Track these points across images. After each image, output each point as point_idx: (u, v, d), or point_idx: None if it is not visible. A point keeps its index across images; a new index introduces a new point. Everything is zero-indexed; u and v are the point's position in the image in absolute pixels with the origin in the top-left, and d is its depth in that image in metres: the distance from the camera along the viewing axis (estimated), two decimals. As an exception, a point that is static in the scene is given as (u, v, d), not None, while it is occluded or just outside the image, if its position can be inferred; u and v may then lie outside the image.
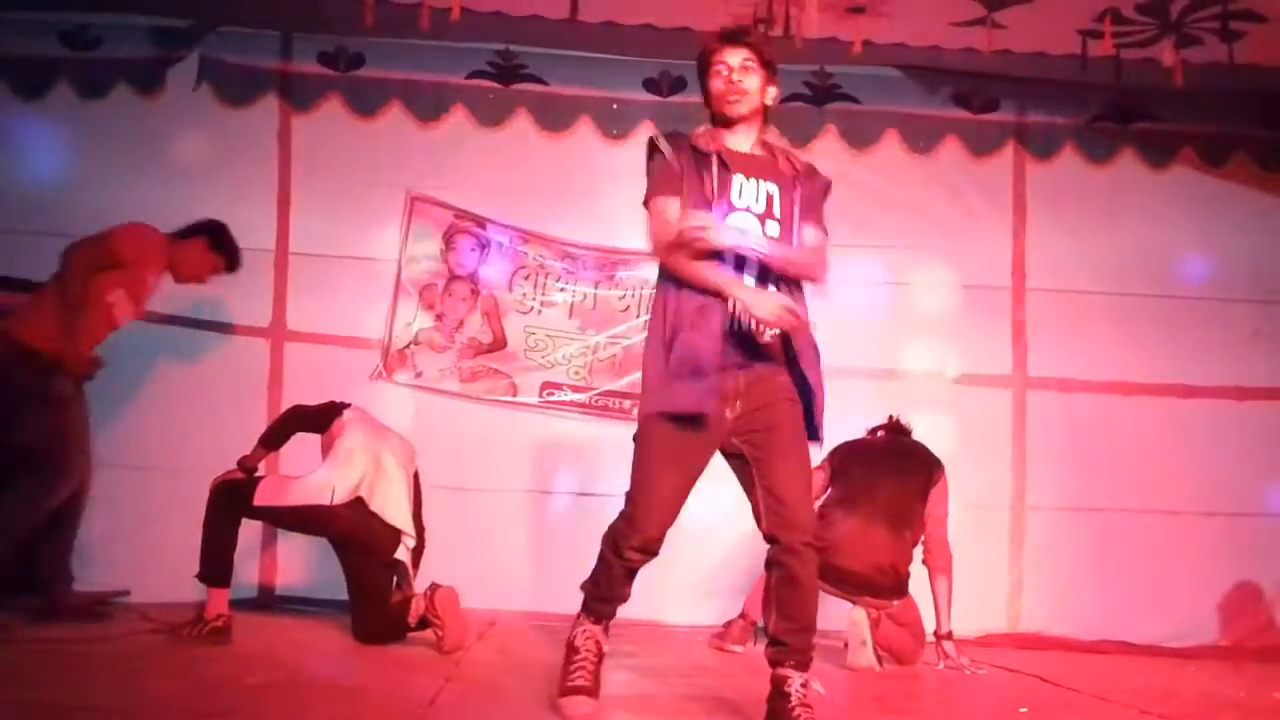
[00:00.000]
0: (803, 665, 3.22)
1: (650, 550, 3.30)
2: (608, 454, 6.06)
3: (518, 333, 6.13)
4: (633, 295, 6.14)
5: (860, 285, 6.17)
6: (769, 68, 3.36)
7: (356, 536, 4.63)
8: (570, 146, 6.16)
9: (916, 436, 5.19)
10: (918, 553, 4.93)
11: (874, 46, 5.48)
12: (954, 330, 6.20)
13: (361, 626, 4.64)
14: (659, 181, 3.32)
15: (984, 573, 5.90)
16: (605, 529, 3.40)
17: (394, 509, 4.69)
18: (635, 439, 3.31)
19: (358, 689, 3.72)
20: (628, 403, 6.00)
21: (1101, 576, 6.01)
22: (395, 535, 4.71)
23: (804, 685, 3.19)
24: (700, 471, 3.31)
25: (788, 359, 3.30)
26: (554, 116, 6.15)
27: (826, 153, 6.20)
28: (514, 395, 6.10)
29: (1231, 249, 6.23)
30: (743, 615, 5.08)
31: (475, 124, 6.14)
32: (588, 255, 6.17)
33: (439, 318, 6.12)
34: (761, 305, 3.14)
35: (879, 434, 5.18)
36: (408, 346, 6.08)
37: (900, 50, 5.66)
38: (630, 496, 3.30)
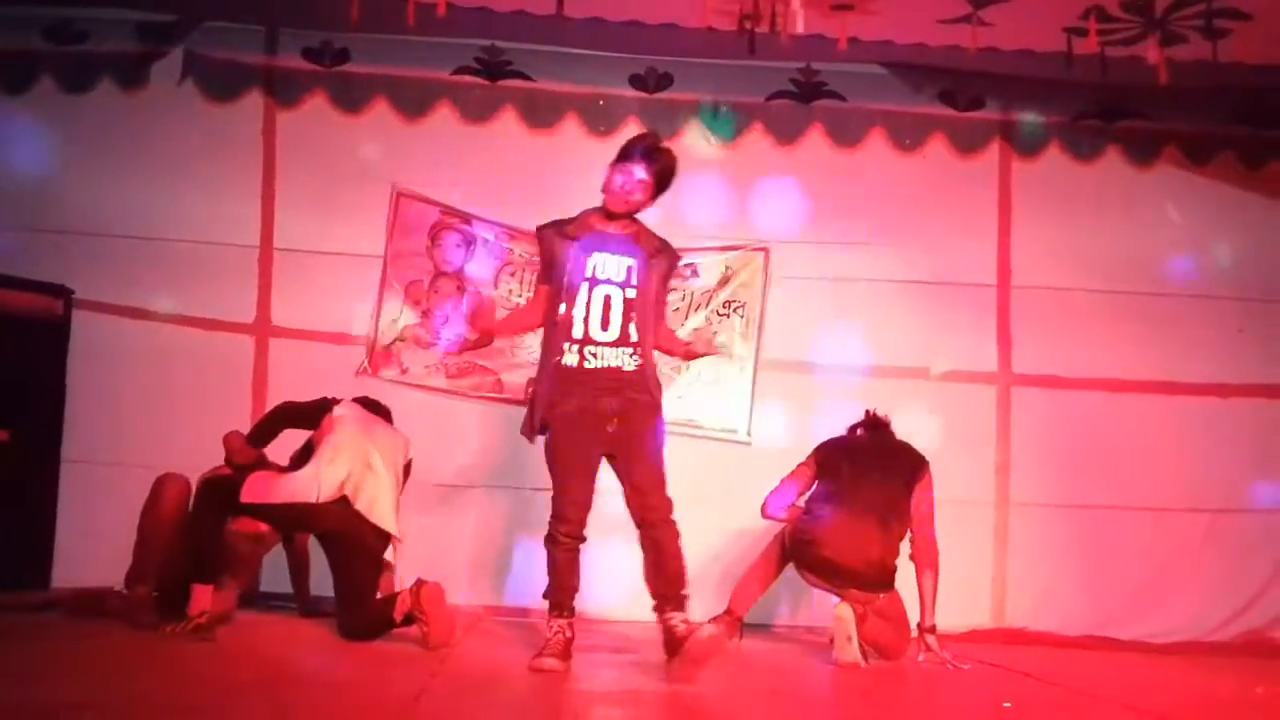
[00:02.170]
0: (679, 607, 4.06)
1: (575, 534, 4.13)
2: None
3: (504, 329, 6.12)
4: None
5: (845, 283, 6.19)
6: (661, 189, 4.25)
7: (343, 534, 4.61)
8: (557, 143, 6.15)
9: (900, 433, 5.19)
10: (904, 547, 4.93)
11: (860, 43, 5.48)
12: (939, 327, 6.21)
13: (346, 624, 4.62)
14: (540, 274, 4.43)
15: (969, 569, 5.91)
16: (544, 537, 4.18)
17: (381, 510, 4.66)
18: (546, 456, 4.21)
19: (343, 685, 3.71)
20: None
21: (1086, 572, 6.04)
22: (383, 537, 4.69)
23: (684, 621, 4.02)
24: (595, 469, 4.19)
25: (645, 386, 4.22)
26: (540, 113, 6.14)
27: (812, 150, 6.22)
28: (500, 392, 6.09)
29: (1214, 246, 6.27)
30: (728, 611, 5.08)
31: (461, 120, 6.13)
32: (574, 252, 6.15)
33: (425, 314, 6.11)
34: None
35: (859, 431, 5.18)
36: (393, 343, 6.06)
37: (886, 47, 5.66)
38: (554, 498, 4.17)
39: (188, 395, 5.77)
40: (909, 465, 4.95)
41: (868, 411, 5.19)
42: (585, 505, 4.15)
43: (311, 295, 6.02)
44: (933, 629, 4.83)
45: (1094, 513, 6.08)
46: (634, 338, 4.21)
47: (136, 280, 5.85)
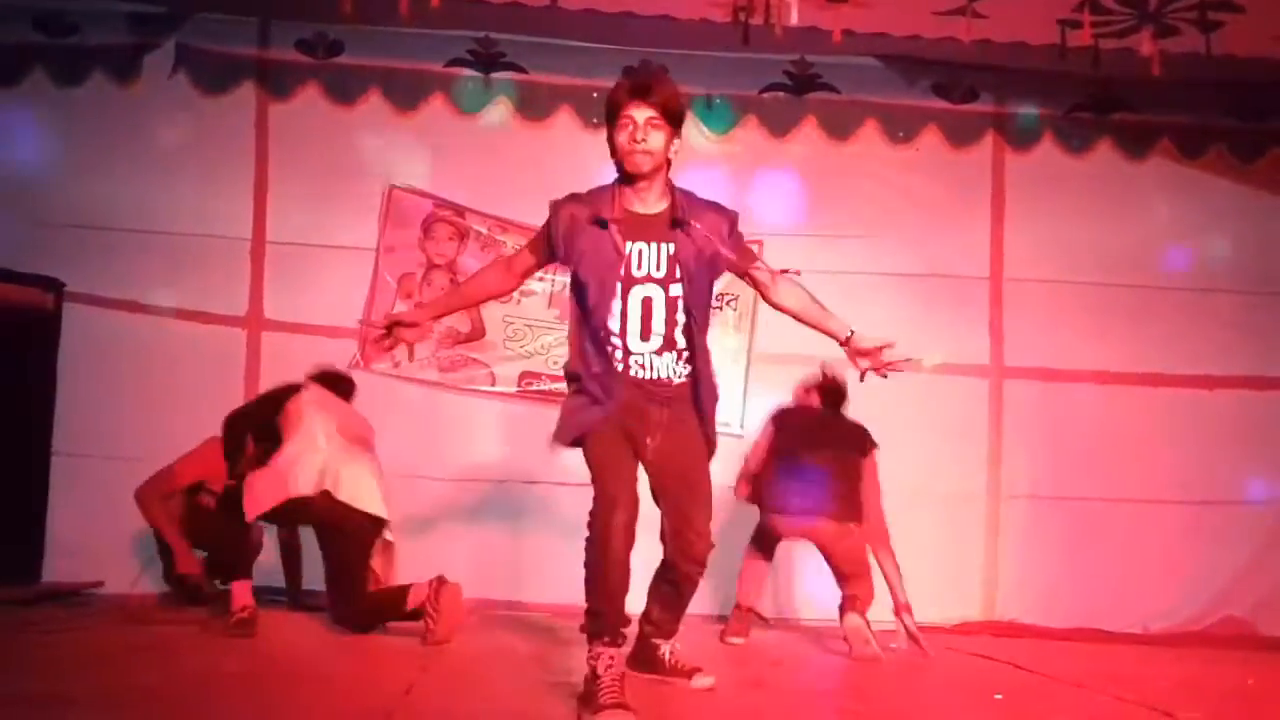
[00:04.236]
0: (668, 637, 3.79)
1: (632, 527, 3.30)
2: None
3: (496, 322, 6.12)
4: (612, 285, 6.13)
5: (838, 275, 6.18)
6: (675, 122, 3.38)
7: (330, 523, 4.61)
8: (550, 135, 6.15)
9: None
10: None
11: (854, 36, 5.47)
12: (932, 320, 6.21)
13: (338, 613, 4.62)
14: (532, 241, 3.64)
15: (960, 561, 5.95)
16: (586, 540, 3.34)
17: (365, 496, 4.65)
18: (584, 452, 3.44)
19: (335, 678, 3.71)
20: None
21: (1076, 565, 6.05)
22: (374, 523, 4.68)
23: (671, 651, 3.77)
24: (632, 453, 3.45)
25: (694, 399, 3.51)
26: (534, 105, 6.14)
27: (806, 143, 6.22)
28: (492, 385, 6.09)
29: (1206, 239, 6.28)
30: (738, 606, 5.08)
31: (455, 112, 6.12)
32: (567, 245, 6.14)
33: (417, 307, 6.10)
34: None
35: (815, 398, 5.13)
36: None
37: (880, 40, 5.66)
38: (596, 483, 3.36)
39: (179, 388, 5.76)
40: (859, 441, 4.96)
41: (825, 373, 5.11)
42: (635, 485, 3.38)
43: (304, 288, 6.02)
44: (908, 608, 4.80)
45: (1085, 505, 6.10)
46: (681, 344, 3.45)
47: (128, 273, 5.84)
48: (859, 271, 6.19)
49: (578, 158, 6.10)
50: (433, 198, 6.14)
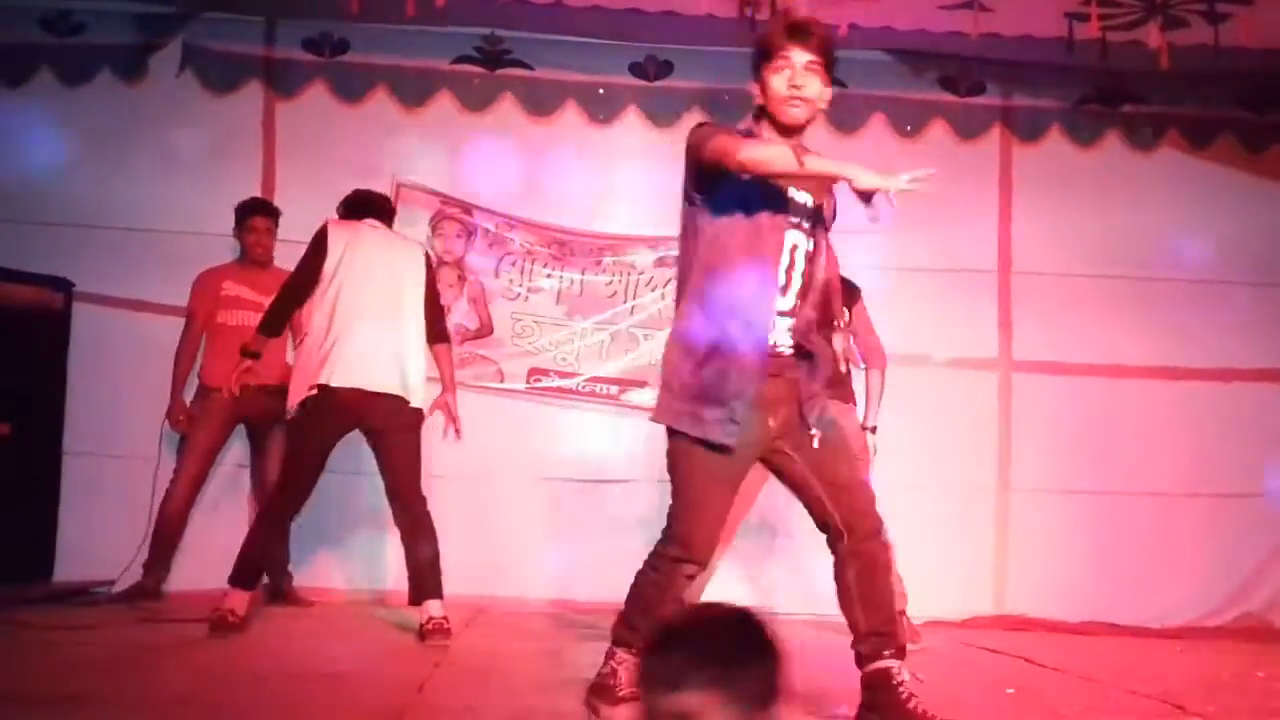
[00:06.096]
0: (900, 654, 3.09)
1: (696, 561, 3.09)
2: (595, 440, 6.08)
3: (505, 319, 6.12)
4: (620, 281, 6.13)
5: (847, 270, 6.16)
6: (831, 70, 3.11)
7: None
8: (557, 132, 6.15)
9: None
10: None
11: (861, 30, 5.47)
12: (940, 314, 6.20)
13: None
14: (723, 130, 3.11)
15: (970, 555, 5.95)
16: (648, 562, 3.14)
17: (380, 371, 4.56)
18: (670, 455, 3.09)
19: (348, 675, 3.72)
20: (615, 388, 6.03)
21: (1087, 558, 6.04)
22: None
23: (911, 675, 3.07)
24: (742, 480, 3.17)
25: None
26: (540, 101, 6.14)
27: (814, 136, 6.17)
28: (501, 381, 6.09)
29: (1216, 231, 6.24)
30: None
31: (461, 109, 6.13)
32: (575, 241, 6.15)
33: (426, 304, 6.09)
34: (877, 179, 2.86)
35: None
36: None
37: (887, 33, 5.66)
38: (674, 512, 3.09)
39: (189, 387, 5.76)
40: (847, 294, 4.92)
41: None
42: (719, 526, 3.09)
43: (311, 286, 6.00)
44: (874, 429, 4.89)
45: (1095, 498, 6.09)
46: (810, 314, 3.10)
47: (137, 272, 5.84)
48: (866, 266, 6.17)
49: (584, 154, 6.13)
50: (440, 195, 6.13)
